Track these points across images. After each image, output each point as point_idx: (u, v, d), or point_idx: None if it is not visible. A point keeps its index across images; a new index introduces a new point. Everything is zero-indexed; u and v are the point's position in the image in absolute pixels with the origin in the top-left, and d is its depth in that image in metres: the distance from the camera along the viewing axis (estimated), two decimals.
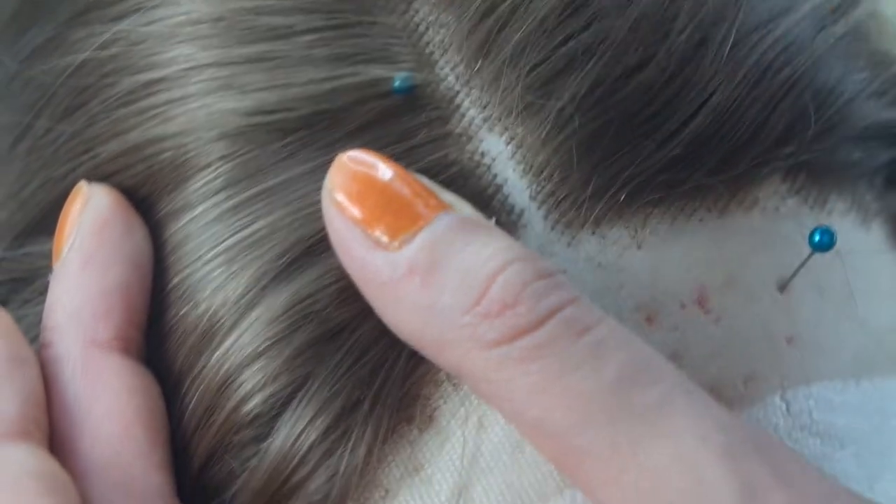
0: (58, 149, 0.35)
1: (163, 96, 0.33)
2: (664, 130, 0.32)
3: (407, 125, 0.32)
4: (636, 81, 0.32)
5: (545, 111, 0.32)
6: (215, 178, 0.32)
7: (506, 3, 0.32)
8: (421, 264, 0.28)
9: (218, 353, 0.31)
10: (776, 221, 0.33)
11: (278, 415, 0.31)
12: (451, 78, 0.33)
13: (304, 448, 0.30)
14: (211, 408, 0.31)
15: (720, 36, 0.33)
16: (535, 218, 0.32)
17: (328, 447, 0.30)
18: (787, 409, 0.32)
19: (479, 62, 0.32)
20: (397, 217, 0.29)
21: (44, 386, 0.31)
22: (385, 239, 0.29)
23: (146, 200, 0.33)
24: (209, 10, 0.33)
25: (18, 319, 0.34)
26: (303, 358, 0.30)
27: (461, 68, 0.33)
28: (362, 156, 0.30)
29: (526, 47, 0.32)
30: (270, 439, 0.31)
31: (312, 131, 0.32)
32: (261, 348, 0.30)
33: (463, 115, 0.32)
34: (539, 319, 0.27)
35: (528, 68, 0.32)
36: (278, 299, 0.31)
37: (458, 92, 0.32)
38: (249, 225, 0.31)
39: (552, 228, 0.32)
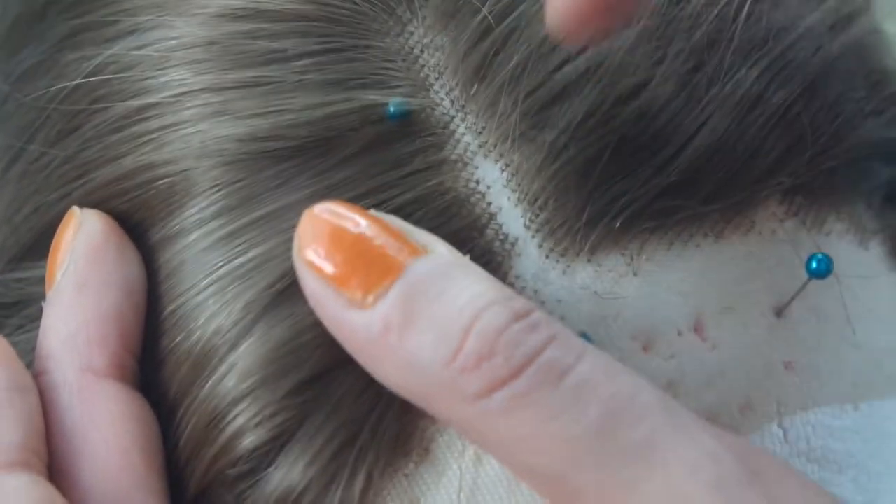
0: (50, 173, 0.35)
1: (156, 122, 0.33)
2: (660, 157, 0.31)
3: (401, 151, 0.32)
4: (631, 108, 0.31)
5: (541, 138, 0.31)
6: (209, 205, 0.32)
7: (501, 27, 0.32)
8: (395, 321, 0.28)
9: (210, 383, 0.31)
10: (773, 245, 0.33)
11: (274, 450, 0.30)
12: (446, 103, 0.32)
13: (303, 484, 0.30)
14: (203, 440, 0.31)
15: (715, 60, 0.32)
16: (529, 246, 0.31)
17: (326, 482, 0.30)
18: (785, 437, 0.32)
19: (475, 87, 0.32)
20: (369, 271, 0.28)
21: (41, 414, 0.31)
22: (359, 296, 0.28)
23: (139, 227, 0.33)
24: (202, 33, 0.33)
25: (11, 346, 0.33)
26: (300, 397, 0.30)
27: (456, 93, 0.32)
28: (331, 208, 0.29)
29: (522, 72, 0.32)
30: (266, 474, 0.30)
31: (306, 158, 0.32)
32: (255, 383, 0.30)
33: (458, 142, 0.32)
34: (518, 368, 0.27)
35: (523, 94, 0.32)
36: (272, 332, 0.30)
37: (453, 117, 0.32)
38: (243, 253, 0.31)
39: (547, 257, 0.31)
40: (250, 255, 0.31)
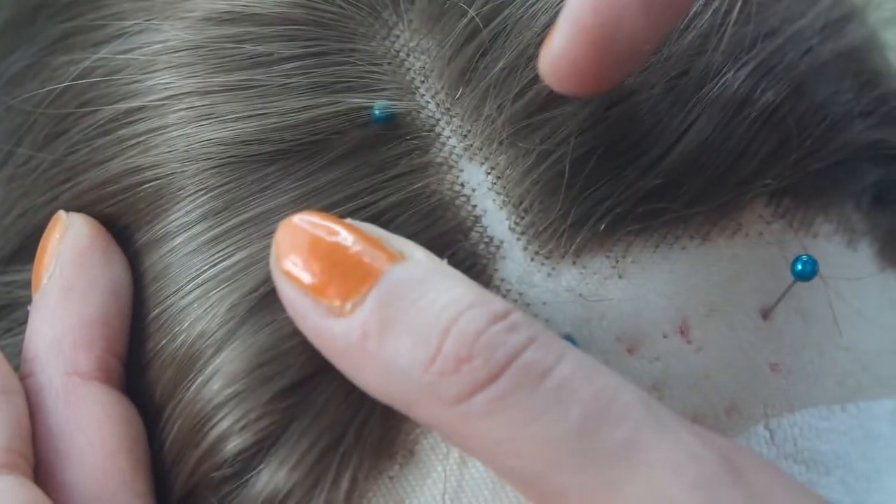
0: (38, 177, 0.35)
1: (142, 125, 0.33)
2: (645, 159, 0.31)
3: (386, 155, 0.32)
4: (618, 112, 0.31)
5: (526, 142, 0.31)
6: (194, 208, 0.32)
7: (487, 30, 0.32)
8: (374, 326, 0.28)
9: (194, 387, 0.31)
10: (759, 247, 0.33)
11: (259, 454, 0.30)
12: (431, 106, 0.32)
13: (287, 487, 0.30)
14: (188, 443, 0.31)
15: (702, 63, 0.32)
16: (514, 249, 0.31)
17: (310, 485, 0.30)
18: (771, 438, 0.32)
19: (461, 90, 0.32)
20: (346, 279, 0.28)
21: (28, 417, 0.31)
22: (337, 303, 0.28)
23: (126, 230, 0.33)
24: (188, 37, 0.33)
25: None
26: (284, 402, 0.30)
27: (442, 96, 0.32)
28: (308, 218, 0.29)
29: (508, 76, 0.32)
30: (251, 477, 0.30)
31: (291, 161, 0.32)
32: (240, 388, 0.30)
33: (443, 145, 0.32)
34: (497, 370, 0.27)
35: (509, 98, 0.32)
36: (256, 336, 0.31)
37: (438, 120, 0.32)
38: (228, 257, 0.31)
39: (532, 259, 0.31)
40: (235, 258, 0.31)
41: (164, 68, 0.33)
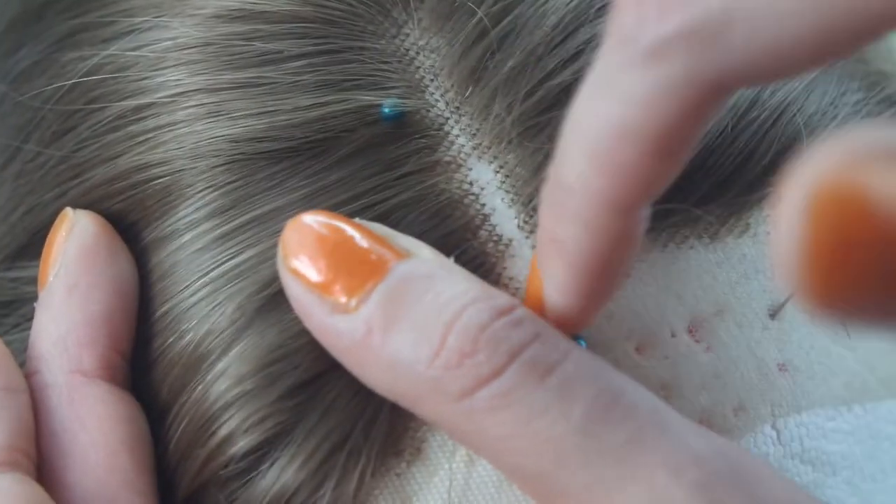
0: (46, 173, 0.35)
1: (151, 122, 0.33)
2: None
3: (395, 153, 0.32)
4: None
5: (535, 141, 0.31)
6: (203, 206, 0.32)
7: (497, 29, 0.32)
8: (378, 322, 0.28)
9: (202, 386, 0.31)
10: (768, 247, 0.33)
11: (267, 452, 0.30)
12: (441, 104, 0.32)
13: (295, 485, 0.30)
14: (195, 442, 0.31)
15: None
16: (523, 248, 0.31)
17: (318, 482, 0.30)
18: (778, 438, 0.32)
19: (470, 88, 0.32)
20: (352, 275, 0.28)
21: (32, 415, 0.31)
22: (343, 300, 0.28)
23: (134, 227, 0.33)
24: (198, 34, 0.33)
25: (7, 344, 0.34)
26: (292, 400, 0.30)
27: (451, 94, 0.32)
28: (315, 216, 0.29)
29: (517, 75, 0.32)
30: (258, 474, 0.30)
31: (300, 159, 0.32)
32: (247, 388, 0.30)
33: (452, 143, 0.32)
34: (500, 365, 0.27)
35: (519, 97, 0.32)
36: (265, 335, 0.30)
37: (447, 119, 0.32)
38: (237, 255, 0.31)
39: None
40: (244, 256, 0.31)
41: (174, 65, 0.33)
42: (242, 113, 0.32)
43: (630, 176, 0.25)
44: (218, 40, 0.33)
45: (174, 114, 0.33)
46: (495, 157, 0.32)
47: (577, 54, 0.32)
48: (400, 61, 0.33)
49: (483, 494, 0.30)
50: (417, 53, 0.33)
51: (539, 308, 0.29)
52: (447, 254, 0.30)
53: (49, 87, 0.35)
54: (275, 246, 0.31)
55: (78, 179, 0.34)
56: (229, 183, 0.32)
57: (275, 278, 0.31)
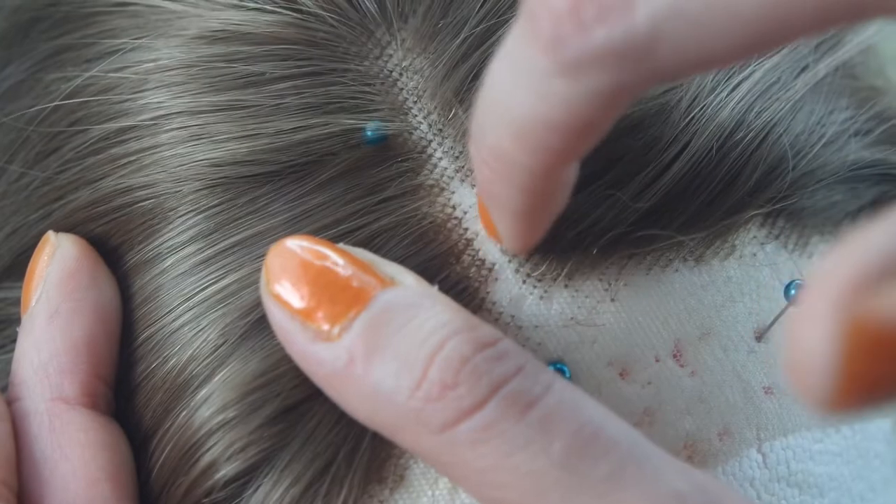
0: (30, 194, 0.35)
1: (134, 145, 0.33)
2: (638, 182, 0.31)
3: (378, 177, 0.32)
4: (610, 133, 0.31)
5: None
6: (186, 229, 0.32)
7: (480, 50, 0.32)
8: (360, 351, 0.27)
9: (185, 413, 0.31)
10: (753, 269, 0.33)
11: (250, 480, 0.30)
12: (423, 127, 0.32)
13: None
14: (178, 469, 0.31)
15: (694, 83, 0.32)
16: (506, 272, 0.31)
17: None
18: (764, 462, 0.32)
19: (453, 111, 0.32)
20: (334, 303, 0.28)
21: (13, 443, 0.31)
22: (325, 328, 0.28)
23: (117, 250, 0.33)
24: (180, 56, 0.33)
25: None
26: (275, 428, 0.30)
27: (434, 116, 0.32)
28: (299, 242, 0.29)
29: None
30: (241, 502, 0.30)
31: (283, 183, 0.32)
32: (231, 415, 0.30)
33: (434, 166, 0.32)
34: (482, 399, 0.27)
35: None
36: (248, 362, 0.30)
37: (430, 142, 0.32)
38: (220, 280, 0.31)
39: (524, 282, 0.31)
40: (227, 281, 0.31)
41: (156, 87, 0.33)
42: (225, 136, 0.32)
43: (552, 155, 0.26)
44: (200, 62, 0.33)
45: (157, 136, 0.33)
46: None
47: None
48: (383, 83, 0.33)
49: None
50: (401, 75, 0.33)
51: (494, 234, 0.31)
52: (431, 278, 0.30)
53: (33, 109, 0.35)
54: (258, 271, 0.31)
55: (62, 201, 0.34)
56: (212, 207, 0.32)
57: (258, 303, 0.30)
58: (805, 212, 0.34)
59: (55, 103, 0.34)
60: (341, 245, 0.30)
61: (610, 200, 0.31)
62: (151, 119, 0.33)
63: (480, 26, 0.32)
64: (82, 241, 0.33)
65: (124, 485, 0.31)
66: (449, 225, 0.31)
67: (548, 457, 0.26)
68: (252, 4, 0.33)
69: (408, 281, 0.29)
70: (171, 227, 0.32)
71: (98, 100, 0.34)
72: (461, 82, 0.32)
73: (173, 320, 0.32)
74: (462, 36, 0.32)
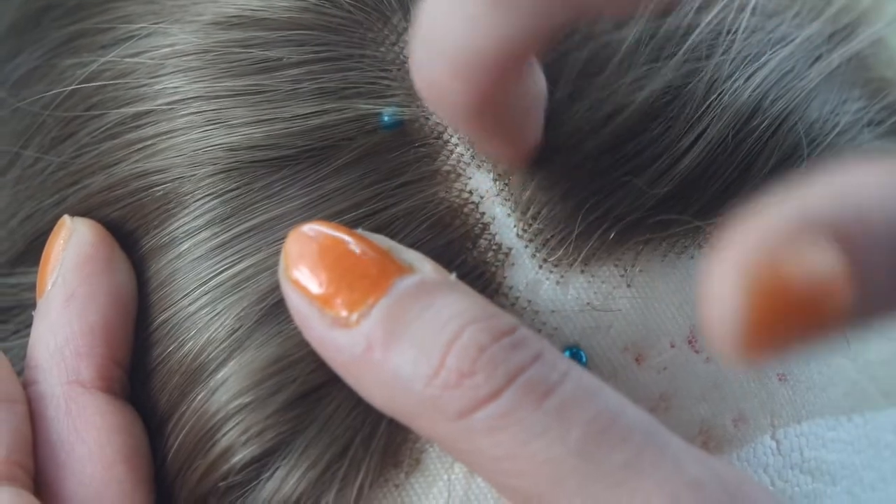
0: (45, 179, 0.35)
1: (150, 129, 0.33)
2: (654, 168, 0.31)
3: (395, 162, 0.32)
4: (625, 118, 0.31)
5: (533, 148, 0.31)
6: (202, 214, 0.32)
7: None
8: (379, 338, 0.27)
9: (201, 397, 0.31)
10: None
11: (266, 464, 0.30)
12: None
13: (294, 497, 0.30)
14: (194, 453, 0.31)
15: (710, 71, 0.32)
16: (523, 257, 0.31)
17: (318, 494, 0.30)
18: (778, 448, 0.32)
19: None
20: (353, 289, 0.28)
21: (30, 426, 0.31)
22: (343, 314, 0.28)
23: (132, 235, 0.33)
24: (196, 41, 0.33)
25: (6, 350, 0.34)
26: (291, 412, 0.30)
27: None
28: (317, 227, 0.29)
29: None
30: (258, 486, 0.30)
31: (300, 168, 0.32)
32: (247, 400, 0.30)
33: (451, 152, 0.32)
34: (499, 387, 0.27)
35: None
36: (265, 346, 0.30)
37: (446, 127, 0.32)
38: (236, 264, 0.31)
39: (540, 267, 0.31)
40: (243, 265, 0.31)
41: (172, 72, 0.33)
42: (241, 121, 0.32)
43: (488, 81, 0.27)
44: (216, 47, 0.33)
45: (173, 121, 0.33)
46: (494, 166, 0.32)
47: (574, 63, 0.32)
48: (400, 69, 0.33)
49: None
50: None
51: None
52: (447, 263, 0.30)
53: (49, 94, 0.35)
54: (274, 255, 0.31)
55: (77, 186, 0.34)
56: (228, 191, 0.32)
57: (274, 288, 0.30)
58: None
59: (71, 87, 0.34)
60: (360, 231, 0.30)
61: (626, 187, 0.31)
62: (167, 104, 0.33)
63: None
64: (98, 225, 0.33)
65: (140, 468, 0.31)
66: (465, 210, 0.31)
67: (564, 445, 0.26)
68: None
69: (426, 268, 0.29)
70: (186, 211, 0.32)
71: (114, 84, 0.34)
72: None
73: (189, 304, 0.32)
74: None
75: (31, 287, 0.34)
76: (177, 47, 0.33)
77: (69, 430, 0.31)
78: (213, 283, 0.31)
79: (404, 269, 0.28)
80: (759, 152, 0.32)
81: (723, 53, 0.33)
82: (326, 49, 0.33)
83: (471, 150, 0.32)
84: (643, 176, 0.31)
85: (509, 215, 0.31)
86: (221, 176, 0.32)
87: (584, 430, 0.26)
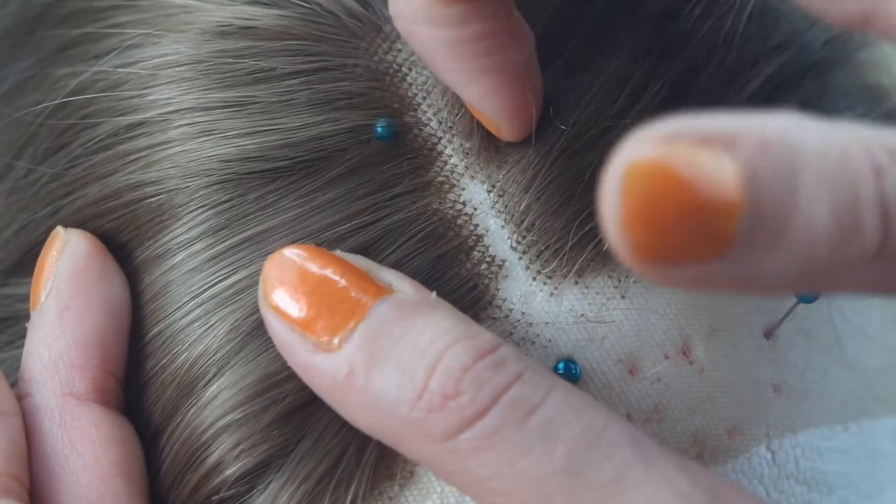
0: (38, 190, 0.35)
1: (143, 141, 0.33)
2: None
3: (388, 173, 0.32)
4: (619, 129, 0.31)
5: (526, 159, 0.31)
6: (196, 225, 0.32)
7: None
8: (361, 363, 0.27)
9: (195, 409, 0.31)
10: None
11: (259, 477, 0.30)
12: (433, 123, 0.32)
13: None
14: (188, 465, 0.31)
15: (705, 80, 0.32)
16: (516, 269, 0.31)
17: None
18: (773, 459, 0.32)
19: (463, 107, 0.32)
20: (334, 314, 0.28)
21: (24, 439, 0.31)
22: (325, 339, 0.28)
23: (126, 246, 0.33)
24: (189, 52, 0.33)
25: (0, 362, 0.34)
26: (284, 427, 0.30)
27: (444, 114, 0.32)
28: (296, 251, 0.29)
29: None
30: (250, 499, 0.30)
31: (293, 179, 0.32)
32: (240, 414, 0.30)
33: (444, 163, 0.32)
34: (484, 407, 0.27)
35: None
36: (258, 359, 0.30)
37: (440, 138, 0.32)
38: (229, 276, 0.31)
39: (534, 279, 0.31)
40: (236, 277, 0.31)
41: (165, 83, 0.33)
42: (235, 132, 0.32)
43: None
44: (209, 58, 0.33)
45: (166, 132, 0.33)
46: (488, 177, 0.32)
47: (570, 68, 0.32)
48: (392, 78, 0.33)
49: None
50: (410, 69, 0.33)
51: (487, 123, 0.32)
52: (441, 275, 0.30)
53: (41, 105, 0.35)
54: None
55: (70, 197, 0.34)
56: (221, 203, 0.32)
57: None
58: None
59: (64, 99, 0.34)
60: (338, 252, 0.30)
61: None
62: (161, 115, 0.33)
63: None
64: (92, 236, 0.33)
65: (135, 480, 0.31)
66: (459, 221, 0.31)
67: (551, 462, 0.26)
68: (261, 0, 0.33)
69: (405, 288, 0.29)
70: (180, 223, 0.32)
71: (107, 95, 0.34)
72: None
73: (183, 316, 0.32)
74: None
75: (25, 298, 0.34)
76: (169, 58, 0.33)
77: (64, 442, 0.31)
78: (206, 294, 0.31)
79: (384, 291, 0.28)
80: None
81: (717, 63, 0.33)
82: (318, 59, 0.33)
83: (465, 160, 0.32)
84: None
85: (503, 227, 0.31)
86: (215, 187, 0.32)
87: (570, 446, 0.26)
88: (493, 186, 0.32)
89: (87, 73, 0.34)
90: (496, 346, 0.27)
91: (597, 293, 0.31)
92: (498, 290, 0.31)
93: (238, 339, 0.31)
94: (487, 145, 0.32)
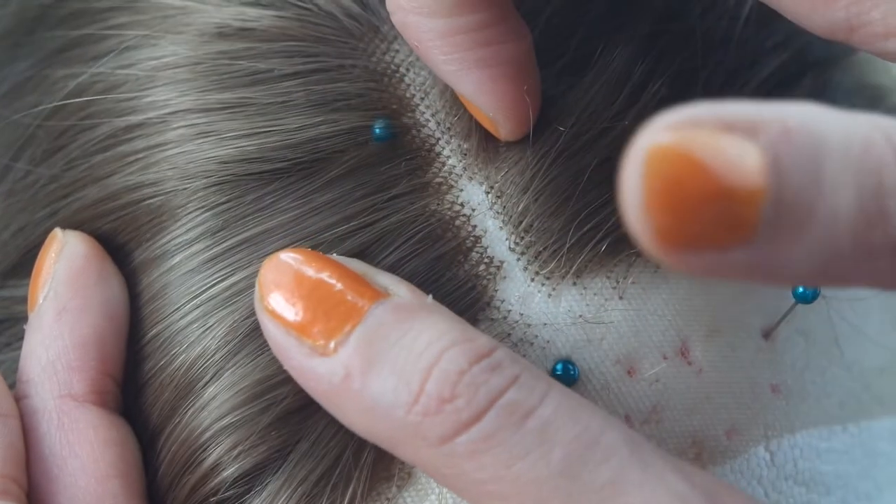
0: (37, 192, 0.35)
1: (141, 142, 0.33)
2: None
3: (387, 174, 0.32)
4: (618, 129, 0.31)
5: (524, 160, 0.31)
6: (194, 227, 0.32)
7: None
8: (357, 366, 0.27)
9: (193, 410, 0.31)
10: None
11: (257, 479, 0.30)
12: (431, 124, 0.32)
13: None
14: (186, 467, 0.31)
15: (705, 79, 0.32)
16: (515, 269, 0.31)
17: None
18: (772, 460, 0.32)
19: (461, 108, 0.32)
20: (330, 318, 0.28)
21: (23, 440, 0.31)
22: (321, 343, 0.28)
23: (124, 247, 0.33)
24: (187, 53, 0.33)
25: None
26: (282, 429, 0.30)
27: (442, 115, 0.32)
28: (292, 255, 0.29)
29: None
30: (248, 500, 0.30)
31: (291, 181, 0.32)
32: (238, 415, 0.30)
33: (443, 164, 0.32)
34: (480, 411, 0.26)
35: None
36: (256, 360, 0.30)
37: (438, 139, 0.32)
38: (227, 277, 0.31)
39: (532, 280, 0.31)
40: (234, 279, 0.31)
41: (164, 84, 0.33)
42: (233, 133, 0.32)
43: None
44: (207, 59, 0.33)
45: (164, 134, 0.33)
46: (486, 178, 0.32)
47: (570, 68, 0.32)
48: (391, 79, 0.33)
49: None
50: (408, 70, 0.33)
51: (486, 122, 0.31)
52: (439, 276, 0.30)
53: (40, 106, 0.35)
54: None
55: (68, 199, 0.34)
56: (220, 204, 0.32)
57: None
58: None
59: (62, 102, 0.34)
60: (334, 256, 0.30)
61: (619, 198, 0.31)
62: (159, 116, 0.33)
63: None
64: (90, 238, 0.33)
65: (133, 482, 0.31)
66: (457, 222, 0.31)
67: (548, 465, 0.26)
68: (258, 0, 0.33)
69: (402, 291, 0.29)
70: (178, 224, 0.32)
71: (105, 97, 0.34)
72: None
73: (181, 318, 0.32)
74: None
75: (23, 300, 0.34)
76: (167, 59, 0.33)
77: (62, 443, 0.31)
78: (204, 296, 0.31)
79: (380, 294, 0.28)
80: None
81: (715, 63, 0.33)
82: (316, 60, 0.33)
83: (463, 161, 0.32)
84: None
85: (501, 228, 0.31)
86: (213, 189, 0.32)
87: (566, 449, 0.26)
88: (492, 187, 0.32)
89: (85, 75, 0.34)
90: (492, 350, 0.27)
91: (595, 294, 0.31)
92: (496, 290, 0.31)
93: (236, 341, 0.31)
94: (486, 146, 0.32)
